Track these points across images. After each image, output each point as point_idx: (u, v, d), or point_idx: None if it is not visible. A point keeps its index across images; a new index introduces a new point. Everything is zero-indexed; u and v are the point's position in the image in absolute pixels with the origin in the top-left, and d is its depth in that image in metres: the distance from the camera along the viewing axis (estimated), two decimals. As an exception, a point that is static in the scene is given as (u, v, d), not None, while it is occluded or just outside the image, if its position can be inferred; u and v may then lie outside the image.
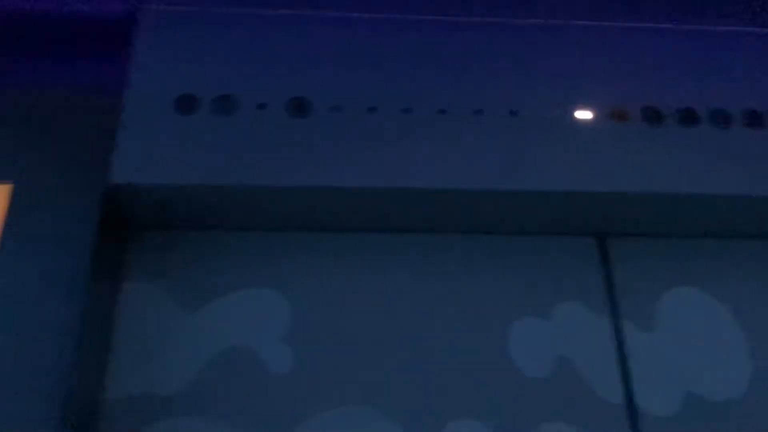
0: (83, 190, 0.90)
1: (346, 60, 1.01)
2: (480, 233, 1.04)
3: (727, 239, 1.07)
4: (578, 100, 1.01)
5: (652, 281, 1.04)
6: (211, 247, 0.99)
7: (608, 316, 1.01)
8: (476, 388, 0.94)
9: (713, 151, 1.00)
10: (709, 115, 1.02)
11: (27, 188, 0.89)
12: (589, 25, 1.08)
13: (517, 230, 1.04)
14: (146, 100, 0.95)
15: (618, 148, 0.99)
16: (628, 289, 1.03)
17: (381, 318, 0.97)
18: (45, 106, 0.95)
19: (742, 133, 1.01)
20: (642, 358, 0.99)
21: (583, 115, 1.01)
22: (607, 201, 1.00)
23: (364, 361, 0.94)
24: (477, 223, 1.03)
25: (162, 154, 0.92)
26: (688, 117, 1.02)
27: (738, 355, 1.00)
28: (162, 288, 0.95)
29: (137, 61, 0.98)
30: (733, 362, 1.00)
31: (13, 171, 0.90)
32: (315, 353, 0.94)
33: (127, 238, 0.97)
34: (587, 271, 1.04)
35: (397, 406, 0.91)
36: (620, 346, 0.99)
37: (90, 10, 1.02)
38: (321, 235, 1.01)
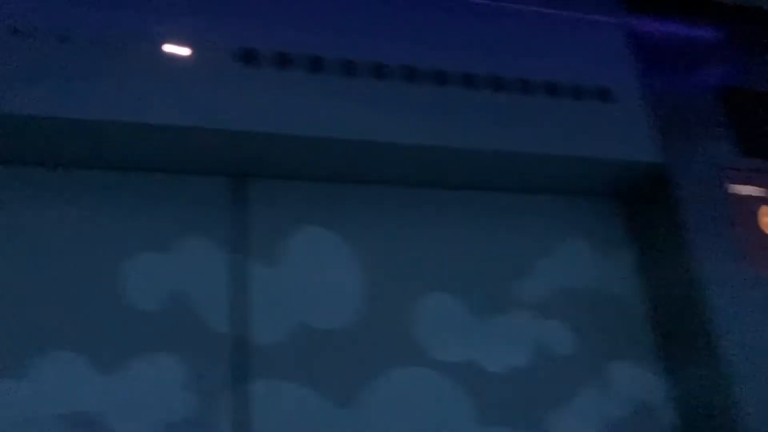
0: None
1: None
2: (107, 169, 1.03)
3: (358, 184, 1.15)
4: (207, 39, 1.02)
5: (283, 221, 1.10)
6: None
7: (231, 252, 1.05)
8: (80, 320, 0.94)
9: (338, 97, 1.06)
10: (334, 62, 1.07)
11: None
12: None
13: (150, 167, 1.05)
14: None
15: (252, 90, 1.02)
16: (259, 227, 1.08)
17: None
18: None
19: (368, 82, 1.08)
20: (262, 292, 1.04)
21: (210, 54, 1.02)
22: (242, 141, 1.02)
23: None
24: (107, 160, 1.02)
25: None
26: (315, 63, 1.06)
27: (352, 289, 1.09)
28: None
29: None
30: (346, 296, 1.08)
31: None
32: None
33: None
34: (218, 209, 1.07)
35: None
36: (241, 280, 1.04)
37: None
38: None
